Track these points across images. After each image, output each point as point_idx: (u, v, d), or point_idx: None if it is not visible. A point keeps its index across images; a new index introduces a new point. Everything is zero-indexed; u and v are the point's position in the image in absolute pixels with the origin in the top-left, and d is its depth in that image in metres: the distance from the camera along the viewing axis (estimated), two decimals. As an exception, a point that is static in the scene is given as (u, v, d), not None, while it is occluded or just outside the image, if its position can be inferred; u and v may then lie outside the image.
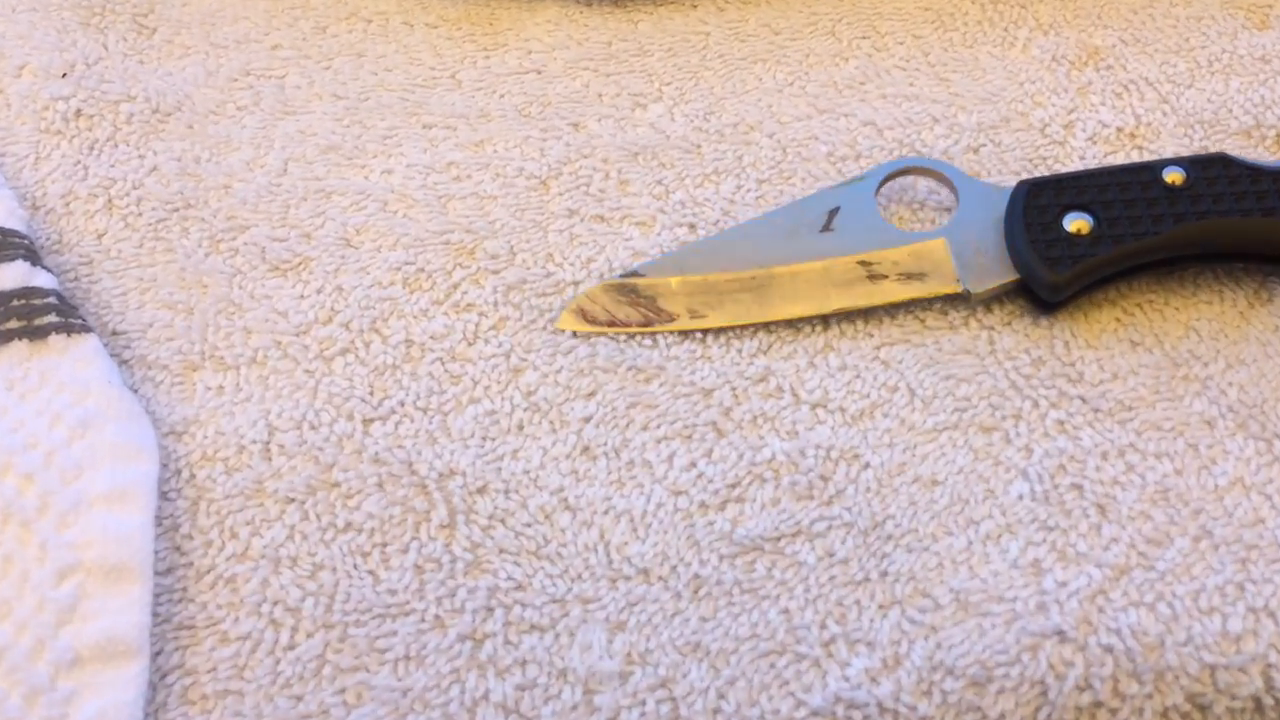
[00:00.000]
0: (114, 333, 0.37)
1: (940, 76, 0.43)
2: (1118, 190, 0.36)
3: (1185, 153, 0.41)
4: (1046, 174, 0.40)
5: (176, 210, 0.40)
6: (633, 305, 0.37)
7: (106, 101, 0.43)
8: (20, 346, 0.34)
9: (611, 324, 0.37)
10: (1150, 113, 0.42)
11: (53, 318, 0.34)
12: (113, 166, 0.41)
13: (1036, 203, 0.36)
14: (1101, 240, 0.35)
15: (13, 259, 0.36)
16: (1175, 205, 0.36)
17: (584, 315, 0.37)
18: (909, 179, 0.40)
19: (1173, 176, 0.36)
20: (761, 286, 0.37)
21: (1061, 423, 0.34)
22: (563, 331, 0.37)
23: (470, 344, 0.36)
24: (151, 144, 0.41)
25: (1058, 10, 0.45)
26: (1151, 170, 0.36)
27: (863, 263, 0.37)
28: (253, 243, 0.39)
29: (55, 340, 0.34)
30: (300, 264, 0.38)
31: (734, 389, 0.35)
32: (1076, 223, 0.36)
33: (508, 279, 0.38)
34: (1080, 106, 0.42)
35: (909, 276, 0.37)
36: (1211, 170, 0.36)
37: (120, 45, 0.45)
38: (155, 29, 0.45)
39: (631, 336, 0.37)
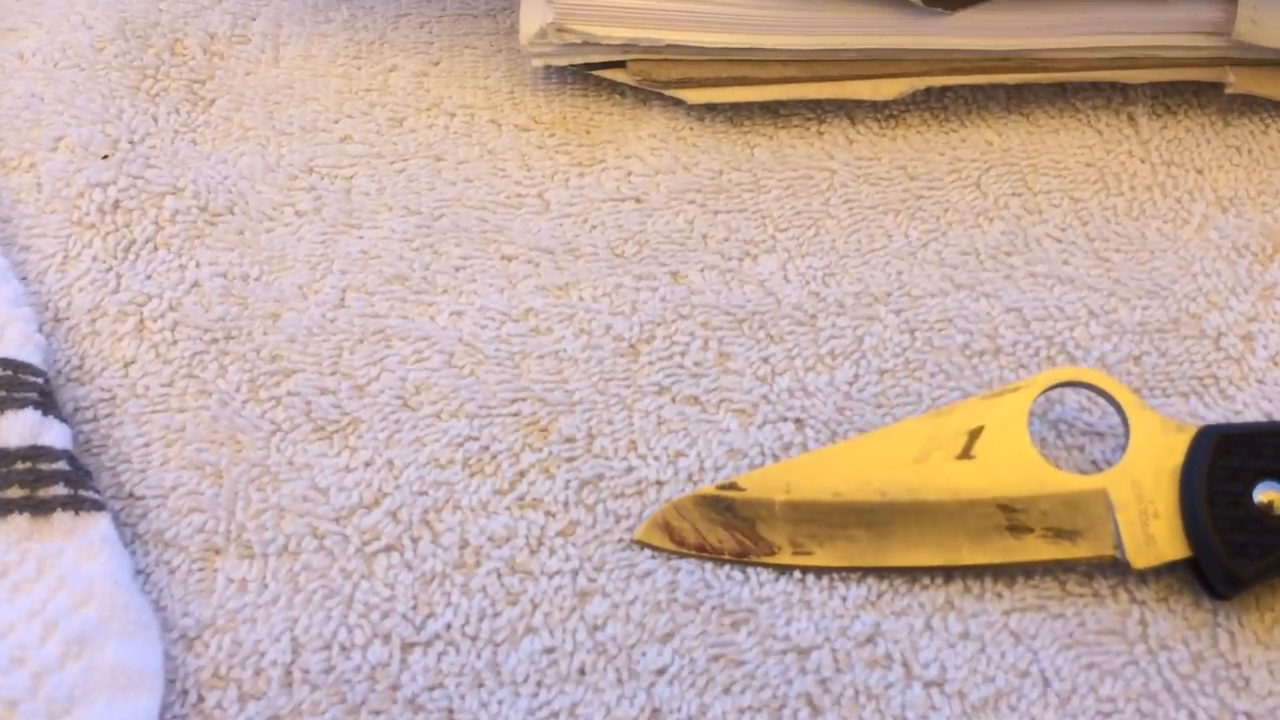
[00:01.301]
0: (131, 496, 0.32)
1: (1100, 255, 0.37)
2: (1326, 459, 0.30)
3: (1383, 387, 0.35)
4: (1220, 412, 0.34)
5: (216, 342, 0.35)
6: (728, 528, 0.32)
7: (150, 194, 0.38)
8: (20, 522, 0.29)
9: (701, 548, 0.32)
10: (1346, 333, 0.36)
11: (60, 489, 0.30)
12: (149, 279, 0.36)
13: (1225, 462, 0.30)
14: (1298, 526, 0.30)
15: (22, 405, 0.31)
16: (1389, 487, 0.30)
17: (669, 532, 0.32)
18: (1058, 390, 0.34)
19: (1389, 444, 0.30)
20: (880, 523, 0.31)
21: (1221, 744, 0.29)
22: (641, 547, 0.32)
23: (533, 553, 0.31)
24: (196, 252, 0.37)
25: (1239, 183, 0.39)
26: (1366, 437, 0.30)
27: (1005, 508, 0.31)
28: (297, 392, 0.34)
29: (60, 519, 0.29)
30: (349, 426, 0.33)
31: (835, 651, 0.30)
32: (1270, 494, 0.30)
33: (583, 471, 0.33)
34: (1263, 314, 0.36)
35: (1059, 533, 0.31)
36: None
37: (172, 119, 0.40)
38: (213, 100, 0.40)
39: (722, 565, 0.32)
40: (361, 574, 0.31)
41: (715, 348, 0.35)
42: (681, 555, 0.32)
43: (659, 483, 0.33)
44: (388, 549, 0.31)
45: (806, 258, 0.37)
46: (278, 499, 0.32)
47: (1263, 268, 0.37)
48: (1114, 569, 0.31)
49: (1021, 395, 0.32)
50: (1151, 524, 0.31)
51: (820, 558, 0.31)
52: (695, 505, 0.32)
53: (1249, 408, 0.34)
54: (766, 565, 0.31)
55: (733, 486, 0.32)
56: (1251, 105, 0.41)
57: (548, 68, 0.42)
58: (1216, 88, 0.41)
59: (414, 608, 0.30)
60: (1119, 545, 0.30)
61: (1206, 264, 0.37)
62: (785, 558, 0.31)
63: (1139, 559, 0.30)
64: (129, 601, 0.28)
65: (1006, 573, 0.31)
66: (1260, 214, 0.39)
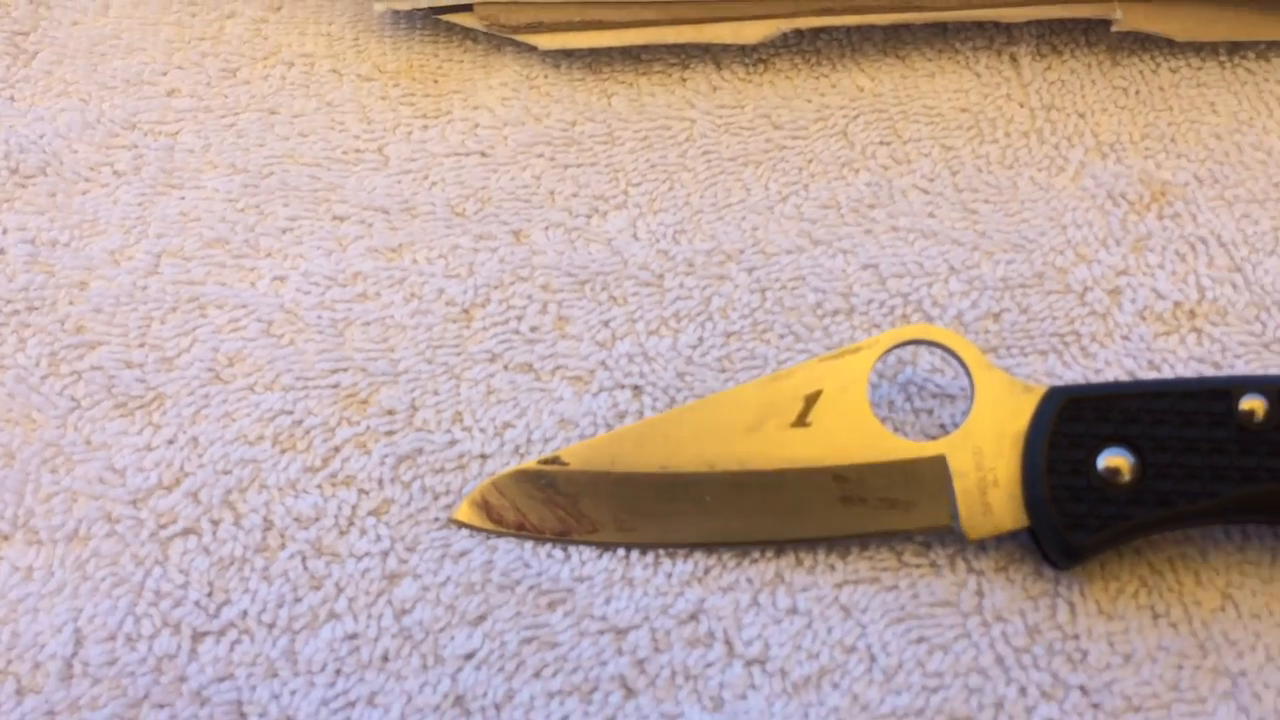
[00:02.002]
0: (-84, 478, 0.30)
1: (967, 207, 0.35)
2: (1177, 422, 0.28)
3: (1254, 341, 0.33)
4: (1080, 371, 0.32)
5: (17, 313, 0.33)
6: (549, 505, 0.30)
7: (-42, 154, 0.36)
8: None
9: (520, 527, 0.30)
10: (1218, 285, 0.34)
11: None
12: (-50, 246, 0.34)
13: (1069, 428, 0.29)
14: (1142, 496, 0.28)
15: None
16: (1248, 455, 0.28)
17: (488, 511, 0.30)
18: (908, 348, 0.32)
19: (1252, 404, 0.28)
20: (708, 496, 0.30)
21: (1054, 724, 0.27)
22: (459, 527, 0.30)
23: (342, 534, 0.30)
24: (2, 217, 0.34)
25: (1123, 127, 0.37)
26: (1225, 398, 0.28)
27: (839, 477, 0.30)
28: (100, 366, 0.32)
29: None
30: (153, 402, 0.31)
31: (654, 630, 0.29)
32: (1115, 461, 0.28)
33: (401, 446, 0.31)
34: (1133, 268, 0.34)
35: (893, 504, 0.29)
36: (1302, 406, 0.28)
37: (-11, 75, 0.37)
38: (35, 54, 0.38)
39: (542, 543, 0.30)
40: (155, 560, 0.29)
41: (554, 311, 0.34)
42: (500, 535, 0.30)
43: (483, 456, 0.31)
44: (185, 533, 0.30)
45: (658, 214, 0.35)
46: (70, 481, 0.30)
47: (1138, 218, 0.35)
48: (953, 537, 0.30)
49: (862, 356, 0.31)
50: (990, 493, 0.29)
51: (644, 534, 0.30)
52: (515, 482, 0.30)
53: (1111, 365, 0.32)
54: (588, 543, 0.30)
55: (555, 461, 0.30)
56: (1141, 43, 0.39)
57: (395, 13, 0.39)
58: (1104, 25, 0.39)
59: (209, 594, 0.29)
60: (954, 515, 0.29)
61: (1078, 214, 0.35)
62: (608, 535, 0.30)
63: (974, 530, 0.29)
64: (-109, 594, 0.27)
65: (841, 545, 0.30)
66: (1142, 160, 0.36)
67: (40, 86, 0.37)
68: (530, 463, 0.31)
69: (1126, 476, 0.28)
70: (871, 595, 0.29)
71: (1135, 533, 0.28)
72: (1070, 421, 0.29)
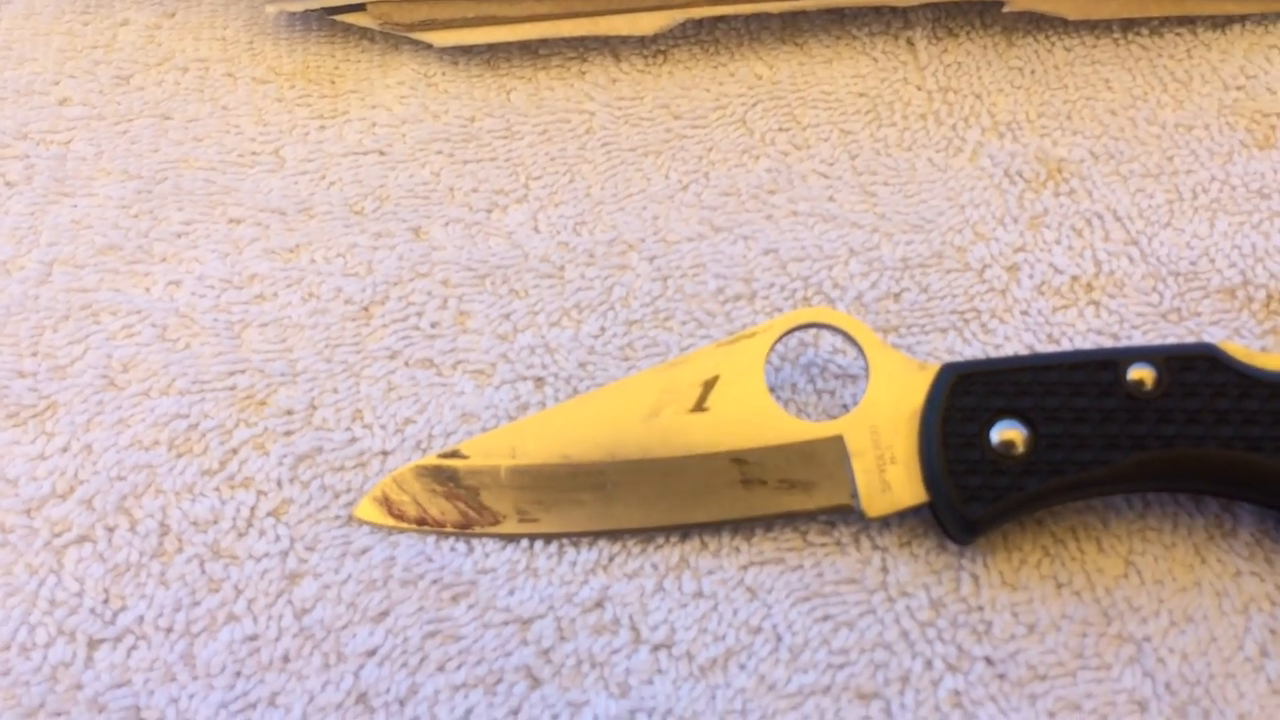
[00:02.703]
0: None
1: (866, 190, 0.36)
2: (1066, 393, 0.29)
3: (1151, 312, 0.33)
4: (980, 347, 0.32)
5: (-97, 326, 0.32)
6: (450, 498, 0.30)
7: None
8: None
9: (421, 521, 0.30)
10: (1115, 258, 0.34)
11: None
12: None
13: (962, 402, 0.29)
14: (1036, 467, 0.28)
15: None
16: (1139, 423, 0.28)
17: (388, 507, 0.30)
18: (809, 331, 0.33)
19: (1140, 374, 0.29)
20: (608, 484, 0.30)
21: (958, 694, 0.28)
22: (360, 524, 0.30)
23: (240, 535, 0.29)
24: (-112, 230, 0.34)
25: (1019, 106, 0.38)
26: (1113, 368, 0.29)
27: (738, 460, 0.30)
28: (-9, 377, 0.31)
29: None
30: (46, 411, 0.31)
31: (559, 619, 0.28)
32: (1008, 433, 0.28)
33: (299, 445, 0.31)
34: (1031, 244, 0.34)
35: (792, 485, 0.29)
36: (1192, 373, 0.29)
37: (-126, 89, 0.37)
38: (-77, 67, 0.37)
39: (445, 537, 0.30)
40: (49, 569, 0.29)
41: (454, 306, 0.33)
42: (401, 531, 0.30)
43: (384, 453, 0.31)
44: (80, 540, 0.29)
45: (559, 206, 0.35)
46: (-40, 493, 0.30)
47: (1034, 195, 0.36)
48: (855, 518, 0.30)
49: (758, 341, 0.31)
50: (889, 470, 0.29)
51: (546, 524, 0.30)
52: (416, 477, 0.30)
53: (1011, 340, 0.33)
54: (491, 536, 0.30)
55: (455, 455, 0.30)
56: (1036, 23, 0.40)
57: (290, 15, 0.39)
58: (998, 7, 0.39)
59: (104, 601, 0.28)
60: (854, 494, 0.29)
61: (976, 194, 0.36)
62: (510, 527, 0.30)
63: (873, 507, 0.29)
64: None
65: (746, 527, 0.30)
66: (1038, 138, 0.37)
67: (-73, 98, 0.37)
68: (430, 457, 0.30)
69: (1020, 448, 0.28)
70: (776, 576, 0.29)
71: (1032, 504, 0.28)
72: (962, 396, 0.29)
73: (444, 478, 0.30)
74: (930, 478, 0.29)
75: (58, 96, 0.37)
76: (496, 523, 0.30)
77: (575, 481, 0.30)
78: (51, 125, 0.36)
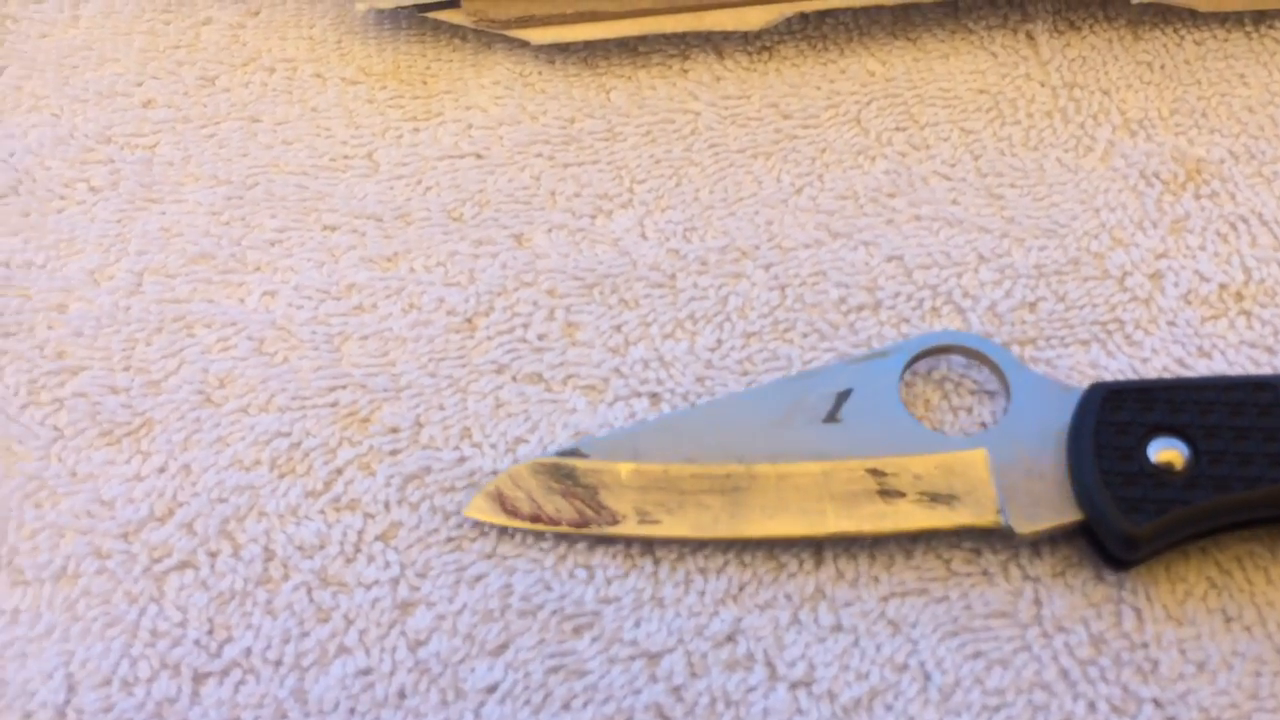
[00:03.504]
0: (-114, 520, 0.28)
1: (992, 192, 0.34)
2: (1226, 412, 0.27)
3: (1305, 322, 0.31)
4: (1125, 360, 0.30)
5: (-9, 340, 0.31)
6: (567, 496, 0.28)
7: (-78, 175, 0.33)
8: None
9: (536, 519, 0.28)
10: (1264, 265, 0.32)
11: None
12: (-83, 272, 0.32)
13: (1114, 418, 0.27)
14: (1199, 483, 0.26)
15: None
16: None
17: (502, 503, 0.28)
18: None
19: (1301, 391, 0.27)
20: (737, 489, 0.28)
21: (1124, 738, 0.26)
22: (474, 535, 0.28)
23: (349, 562, 0.28)
24: (-27, 239, 0.32)
25: (1150, 103, 0.35)
26: (1271, 389, 0.27)
27: (874, 471, 0.28)
28: (83, 393, 0.30)
29: None
30: (141, 429, 0.29)
31: (689, 654, 0.27)
32: (1167, 453, 0.26)
33: (407, 465, 0.29)
34: (1173, 250, 0.32)
35: (934, 498, 0.27)
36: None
37: (-46, 91, 0.35)
38: (2, 68, 0.36)
39: (565, 548, 0.28)
40: (150, 597, 0.27)
41: (562, 317, 0.32)
42: (514, 528, 0.28)
43: (495, 473, 0.29)
44: (181, 566, 0.27)
45: (666, 211, 0.34)
46: (55, 516, 0.28)
47: (1174, 197, 0.33)
48: (1003, 541, 0.28)
49: (891, 361, 0.29)
50: (1036, 486, 0.27)
51: (669, 527, 0.28)
52: (532, 473, 0.28)
53: (1158, 353, 0.31)
54: (607, 537, 0.28)
55: (575, 453, 0.28)
56: (1163, 15, 0.38)
57: (379, 13, 0.37)
58: (1123, -1, 0.37)
59: (209, 632, 0.27)
60: (1001, 509, 0.27)
61: (1111, 196, 0.34)
62: (630, 528, 0.28)
63: (1023, 524, 0.27)
64: None
65: (884, 552, 0.28)
66: (1172, 137, 0.35)
67: (9, 102, 0.35)
68: (548, 456, 0.29)
69: (1179, 466, 0.26)
70: (921, 608, 0.27)
71: (1196, 521, 0.26)
72: (1115, 411, 0.27)
73: (561, 475, 0.28)
74: (1084, 494, 0.27)
75: (141, 98, 0.35)
76: (615, 523, 0.28)
77: (701, 485, 0.28)
78: (136, 128, 0.35)
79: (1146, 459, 0.26)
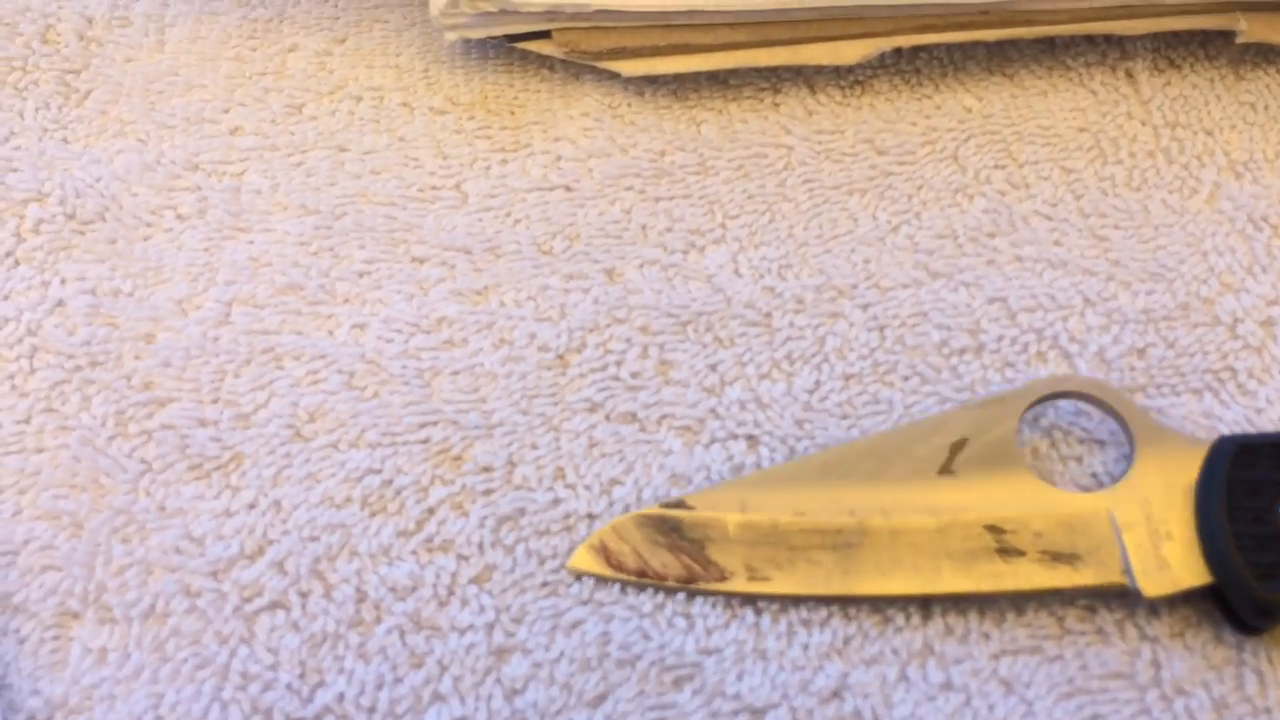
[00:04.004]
0: (-26, 553, 0.28)
1: (1096, 233, 0.33)
2: (1360, 468, 0.26)
3: None
4: (1240, 410, 0.29)
5: (80, 369, 0.30)
6: (673, 551, 0.27)
7: (11, 200, 0.33)
8: None
9: (641, 574, 0.27)
10: (1381, 313, 0.31)
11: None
12: (5, 299, 0.31)
13: (1245, 475, 0.26)
14: (1332, 546, 0.25)
15: None
16: None
17: (606, 556, 0.27)
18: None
19: None
20: (849, 545, 0.27)
21: (1253, 811, 0.24)
22: (576, 578, 0.27)
23: (442, 605, 0.27)
24: (61, 266, 0.32)
25: (1255, 144, 0.34)
26: (1407, 442, 0.26)
27: (993, 528, 0.27)
28: (172, 425, 0.29)
29: (-124, 589, 0.25)
30: (230, 463, 0.29)
31: (794, 710, 0.26)
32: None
33: (501, 506, 0.28)
34: (1285, 296, 0.31)
35: (1056, 557, 0.26)
36: None
37: (41, 116, 0.35)
38: (88, 93, 0.36)
39: (664, 596, 0.27)
40: (240, 638, 0.26)
41: (656, 355, 0.31)
42: (619, 582, 0.27)
43: (590, 516, 0.28)
44: (272, 607, 0.27)
45: (760, 248, 0.33)
46: (144, 552, 0.27)
47: (1282, 240, 0.32)
48: (1120, 600, 0.27)
49: (1008, 406, 0.28)
50: (1164, 546, 0.26)
51: (779, 584, 0.27)
52: (637, 526, 0.28)
53: (1273, 404, 0.30)
54: (716, 593, 0.27)
55: (680, 505, 0.28)
56: (1266, 55, 0.37)
57: (466, 42, 0.37)
58: (1226, 37, 0.36)
59: (301, 676, 0.26)
60: (1127, 570, 0.26)
61: (1219, 240, 0.33)
62: (739, 584, 0.27)
63: (1151, 586, 0.26)
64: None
65: (994, 608, 0.27)
66: (1279, 180, 0.34)
67: (95, 127, 0.35)
68: (652, 507, 0.28)
69: None
70: (1035, 667, 0.26)
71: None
72: (1246, 469, 0.26)
73: (667, 528, 0.27)
74: (1215, 554, 0.25)
75: (229, 125, 0.35)
76: (723, 579, 0.27)
77: (811, 540, 0.27)
78: (224, 155, 0.34)
79: (1278, 518, 0.25)
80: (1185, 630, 0.26)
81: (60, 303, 0.31)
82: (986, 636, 0.27)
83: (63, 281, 0.32)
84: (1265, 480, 0.26)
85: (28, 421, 0.29)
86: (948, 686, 0.26)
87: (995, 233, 0.33)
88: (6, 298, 0.31)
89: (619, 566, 0.27)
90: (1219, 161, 0.34)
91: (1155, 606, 0.27)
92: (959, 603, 0.27)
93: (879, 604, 0.27)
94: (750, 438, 0.30)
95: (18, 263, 0.32)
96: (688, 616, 0.27)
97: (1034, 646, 0.26)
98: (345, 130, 0.35)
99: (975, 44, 0.37)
